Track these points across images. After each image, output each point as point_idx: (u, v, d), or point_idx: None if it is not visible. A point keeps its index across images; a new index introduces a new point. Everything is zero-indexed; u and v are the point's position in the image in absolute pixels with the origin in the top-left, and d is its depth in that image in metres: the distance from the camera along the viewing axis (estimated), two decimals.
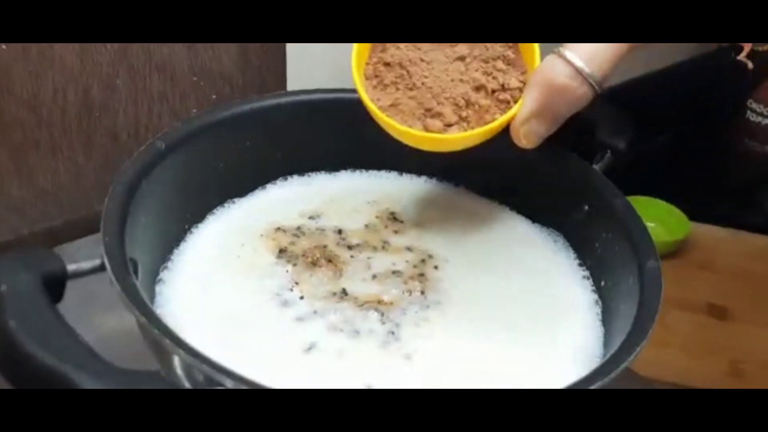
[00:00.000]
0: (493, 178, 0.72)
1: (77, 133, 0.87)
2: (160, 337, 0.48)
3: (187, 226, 0.66)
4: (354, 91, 0.67)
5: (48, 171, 0.88)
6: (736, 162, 1.46)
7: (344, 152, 0.73)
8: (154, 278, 0.61)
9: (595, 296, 0.65)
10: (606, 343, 0.61)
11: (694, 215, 1.19)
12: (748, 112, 1.41)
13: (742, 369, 0.97)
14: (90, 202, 0.91)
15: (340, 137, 0.72)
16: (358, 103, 0.69)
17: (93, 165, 0.89)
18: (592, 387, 0.50)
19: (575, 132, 0.70)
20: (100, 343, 0.70)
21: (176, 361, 0.50)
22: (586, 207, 0.67)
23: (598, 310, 0.64)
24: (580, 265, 0.68)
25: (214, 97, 0.92)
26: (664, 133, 1.43)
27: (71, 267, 0.51)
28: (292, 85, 0.96)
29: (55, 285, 0.50)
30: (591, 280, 0.66)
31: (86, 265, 0.52)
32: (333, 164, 0.73)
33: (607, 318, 0.63)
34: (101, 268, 0.53)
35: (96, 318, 0.75)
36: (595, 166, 0.68)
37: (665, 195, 1.20)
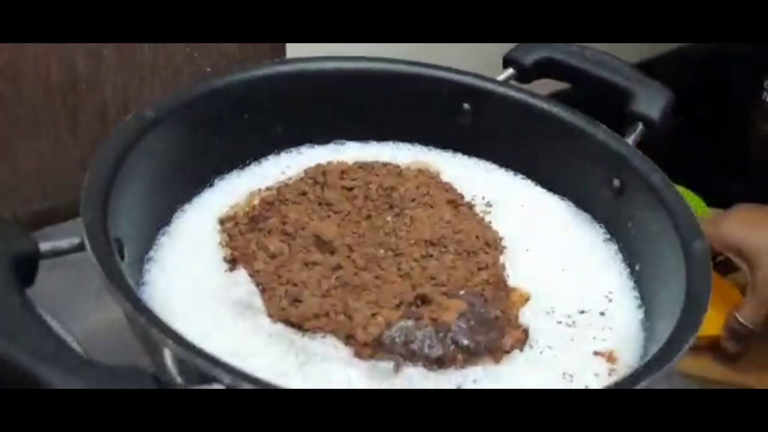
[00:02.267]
0: (512, 148, 0.67)
1: (61, 109, 0.82)
2: (148, 327, 0.42)
3: (177, 204, 0.61)
4: (359, 59, 0.63)
5: (30, 151, 0.83)
6: (753, 145, 1.42)
7: (348, 124, 0.68)
8: (141, 259, 0.56)
9: (631, 282, 0.59)
10: (647, 333, 0.55)
11: (710, 200, 1.14)
12: (765, 93, 1.36)
13: None
14: (76, 185, 0.85)
15: (345, 108, 0.67)
16: (363, 73, 0.65)
17: (79, 144, 0.84)
18: (639, 386, 0.44)
19: (607, 100, 0.64)
20: (88, 334, 0.66)
21: (166, 353, 0.44)
22: (617, 182, 0.62)
23: (636, 293, 0.58)
24: (611, 244, 0.62)
25: (208, 70, 0.87)
26: (679, 116, 1.38)
27: (45, 246, 0.45)
28: None
29: (25, 266, 0.44)
30: (625, 262, 0.60)
31: (63, 243, 0.46)
32: (337, 136, 0.68)
33: (646, 304, 0.57)
34: (80, 247, 0.47)
35: (83, 306, 0.68)
36: (627, 139, 0.62)
37: (681, 179, 1.15)
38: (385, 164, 0.65)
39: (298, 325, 0.51)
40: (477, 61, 0.72)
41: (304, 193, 0.61)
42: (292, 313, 0.52)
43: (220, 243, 0.57)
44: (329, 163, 0.64)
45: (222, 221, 0.59)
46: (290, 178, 0.63)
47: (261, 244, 0.56)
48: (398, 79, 0.67)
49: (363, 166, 0.64)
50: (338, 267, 0.55)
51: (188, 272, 0.55)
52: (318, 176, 0.62)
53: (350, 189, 0.62)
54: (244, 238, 0.57)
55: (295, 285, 0.54)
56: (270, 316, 0.52)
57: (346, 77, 0.67)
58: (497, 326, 0.53)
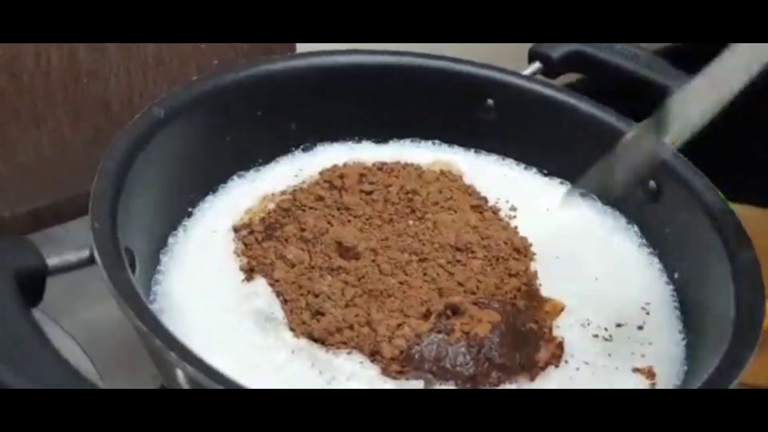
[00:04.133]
0: (538, 146, 0.64)
1: (63, 101, 0.78)
2: (163, 349, 0.39)
3: (189, 207, 0.57)
4: (376, 53, 0.62)
5: (30, 145, 0.79)
6: None
7: (365, 120, 0.65)
8: (152, 267, 0.53)
9: (669, 292, 0.56)
10: (691, 346, 0.52)
11: (733, 196, 1.10)
12: None
13: None
14: (78, 181, 0.82)
15: (362, 104, 0.64)
16: (380, 67, 0.62)
17: (81, 138, 0.80)
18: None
19: (643, 98, 0.61)
20: (91, 342, 0.63)
21: (179, 373, 0.41)
22: (653, 184, 0.58)
23: (675, 304, 0.55)
24: (645, 249, 0.59)
25: (215, 62, 0.83)
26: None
27: (53, 261, 0.42)
28: None
29: (32, 284, 0.40)
30: (663, 270, 0.57)
31: (71, 257, 0.43)
32: (353, 133, 0.65)
33: (685, 315, 0.54)
34: (90, 260, 0.44)
35: (84, 312, 0.65)
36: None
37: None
38: (405, 165, 0.61)
39: (321, 341, 0.48)
40: (500, 55, 0.69)
41: (320, 198, 0.57)
42: (315, 327, 0.49)
43: (235, 252, 0.54)
44: (346, 165, 0.61)
45: (236, 228, 0.56)
46: (304, 182, 0.60)
47: (279, 252, 0.53)
48: (417, 73, 0.64)
49: (382, 168, 0.61)
50: (362, 273, 0.52)
51: (203, 282, 0.52)
52: (335, 180, 0.59)
53: (369, 193, 0.58)
54: (261, 247, 0.54)
55: (317, 295, 0.51)
56: (292, 329, 0.49)
57: (363, 72, 0.64)
58: (532, 340, 0.50)
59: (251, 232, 0.55)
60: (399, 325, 0.49)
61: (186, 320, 0.49)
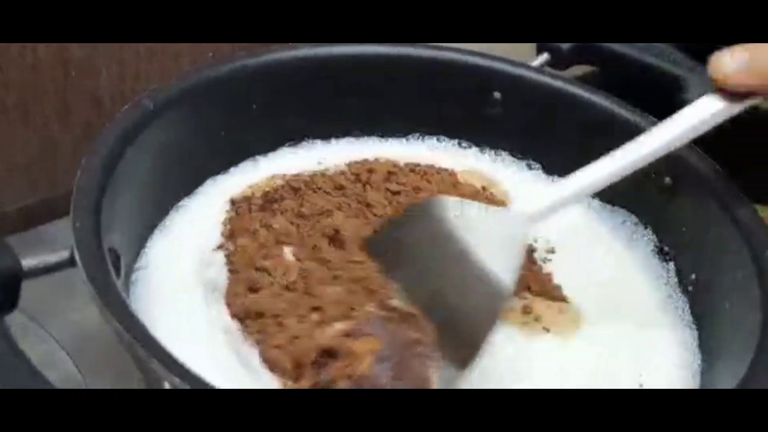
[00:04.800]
0: (545, 142, 0.61)
1: (52, 96, 0.77)
2: (148, 358, 0.36)
3: (177, 202, 0.55)
4: (379, 44, 0.60)
5: (18, 142, 0.78)
6: None
7: (369, 115, 0.62)
8: (134, 261, 0.50)
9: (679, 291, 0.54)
10: (706, 352, 0.49)
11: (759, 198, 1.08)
12: None
13: None
14: (69, 179, 0.81)
15: (366, 97, 0.61)
16: (385, 58, 0.61)
17: (71, 135, 0.79)
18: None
19: (657, 89, 0.58)
20: (76, 345, 0.60)
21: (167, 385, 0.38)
22: (668, 180, 0.56)
23: (685, 307, 0.52)
24: (659, 251, 0.56)
25: (210, 55, 0.82)
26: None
27: (29, 263, 0.39)
28: None
29: (6, 288, 0.37)
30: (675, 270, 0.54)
31: (50, 259, 0.40)
32: (356, 130, 0.63)
33: (702, 319, 0.51)
34: (70, 262, 0.41)
35: (70, 314, 0.62)
36: None
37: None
38: (439, 170, 0.58)
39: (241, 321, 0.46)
40: (508, 45, 0.66)
41: (341, 187, 0.54)
42: (242, 303, 0.46)
43: (223, 222, 0.52)
44: (377, 159, 0.58)
45: (234, 201, 0.54)
46: (328, 169, 0.57)
47: (265, 221, 0.50)
48: (423, 65, 0.62)
49: (414, 169, 0.58)
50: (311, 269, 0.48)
51: (178, 262, 0.51)
52: (363, 173, 0.56)
53: (396, 193, 0.55)
54: (250, 216, 0.51)
55: (260, 270, 0.47)
56: (227, 304, 0.47)
57: (366, 64, 0.61)
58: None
59: (248, 203, 0.52)
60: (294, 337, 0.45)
61: (155, 287, 0.48)
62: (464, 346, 0.44)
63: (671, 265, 0.55)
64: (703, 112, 0.48)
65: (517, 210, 0.49)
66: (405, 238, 0.48)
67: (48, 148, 0.79)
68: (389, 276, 0.47)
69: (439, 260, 0.46)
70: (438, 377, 0.44)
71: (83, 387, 0.57)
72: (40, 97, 0.76)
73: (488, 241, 0.45)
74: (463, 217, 0.46)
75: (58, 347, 0.60)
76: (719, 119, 0.48)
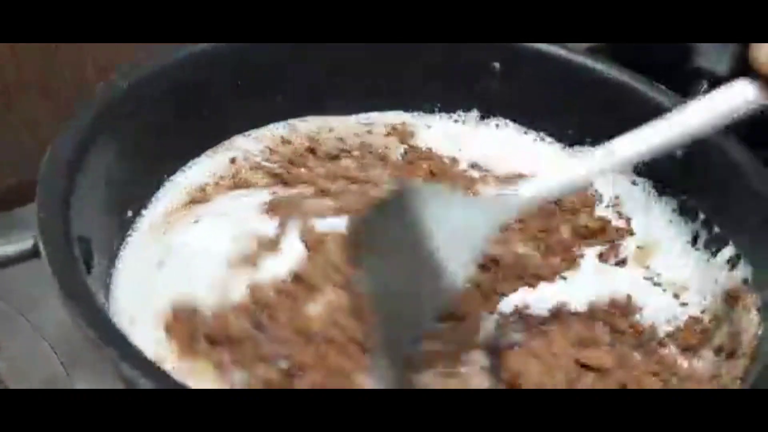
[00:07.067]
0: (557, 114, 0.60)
1: (34, 75, 0.76)
2: (117, 361, 0.34)
3: (158, 184, 0.54)
4: None
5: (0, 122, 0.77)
6: None
7: (362, 92, 0.61)
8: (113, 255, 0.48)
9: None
10: None
11: None
12: None
13: None
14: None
15: (360, 74, 0.59)
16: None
17: (52, 112, 0.78)
18: None
19: (668, 56, 0.56)
20: (59, 337, 0.57)
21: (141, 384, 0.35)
22: (678, 152, 0.53)
23: None
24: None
25: None
26: None
27: None
28: None
29: None
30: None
31: (10, 249, 0.37)
32: (349, 106, 0.61)
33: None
34: (34, 253, 0.38)
35: (53, 304, 0.60)
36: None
37: None
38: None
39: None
40: None
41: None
42: None
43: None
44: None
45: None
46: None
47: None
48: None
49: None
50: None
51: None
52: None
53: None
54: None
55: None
56: None
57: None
58: None
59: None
60: None
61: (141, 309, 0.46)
62: (397, 341, 0.44)
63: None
64: (737, 97, 0.45)
65: (512, 194, 0.46)
66: (378, 224, 0.47)
67: (28, 126, 0.77)
68: (355, 260, 0.47)
69: (401, 251, 0.45)
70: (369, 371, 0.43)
71: (66, 380, 0.55)
72: (20, 73, 0.75)
73: (454, 233, 0.43)
74: (438, 207, 0.44)
75: (41, 339, 0.58)
76: (753, 106, 0.45)
